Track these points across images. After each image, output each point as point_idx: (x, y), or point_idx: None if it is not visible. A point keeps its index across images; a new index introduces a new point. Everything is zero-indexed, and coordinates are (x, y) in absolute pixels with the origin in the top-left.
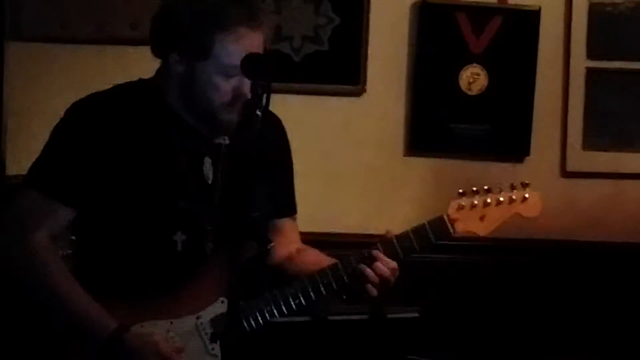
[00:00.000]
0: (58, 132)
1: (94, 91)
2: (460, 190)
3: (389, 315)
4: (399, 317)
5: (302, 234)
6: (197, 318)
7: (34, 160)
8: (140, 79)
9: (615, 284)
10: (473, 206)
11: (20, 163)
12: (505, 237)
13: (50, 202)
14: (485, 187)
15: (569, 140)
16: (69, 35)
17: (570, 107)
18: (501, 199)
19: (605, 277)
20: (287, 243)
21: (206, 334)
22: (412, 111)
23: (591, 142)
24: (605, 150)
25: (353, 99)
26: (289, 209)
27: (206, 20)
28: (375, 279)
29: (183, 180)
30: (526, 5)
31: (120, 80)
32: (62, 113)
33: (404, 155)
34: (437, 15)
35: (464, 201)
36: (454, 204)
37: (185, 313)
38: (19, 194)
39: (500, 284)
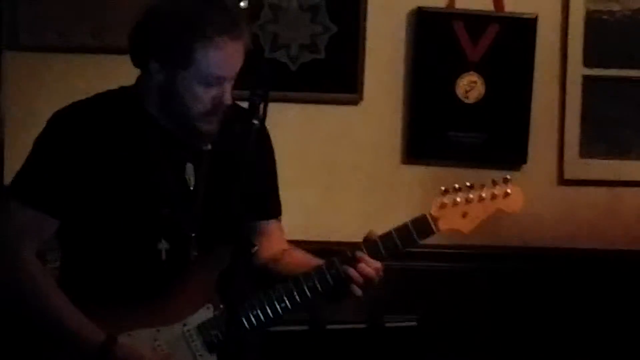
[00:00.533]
0: (39, 143)
1: None
2: (443, 188)
3: (387, 324)
4: (397, 325)
5: (300, 242)
6: (184, 325)
7: None
8: (121, 87)
9: (613, 291)
10: (455, 204)
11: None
12: (503, 245)
13: (35, 213)
14: (468, 184)
15: (566, 148)
16: (66, 45)
17: (567, 115)
18: (483, 195)
19: (603, 284)
20: (272, 245)
21: (193, 340)
22: (409, 119)
23: (588, 149)
24: (602, 158)
25: (350, 107)
26: (274, 211)
27: (187, 30)
28: (360, 279)
29: (165, 187)
30: (523, 14)
31: None
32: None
33: (402, 163)
34: (434, 24)
35: (446, 199)
36: (436, 202)
37: (172, 320)
38: (2, 207)
39: (498, 292)
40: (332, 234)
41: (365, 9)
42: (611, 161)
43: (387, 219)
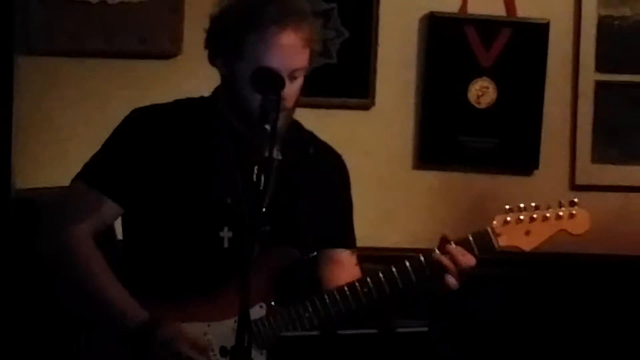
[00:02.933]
0: (114, 134)
1: (102, 105)
2: (507, 207)
3: (398, 330)
4: (408, 331)
5: None
6: (235, 322)
7: (44, 173)
8: (201, 96)
9: (625, 296)
10: (519, 221)
11: (28, 176)
12: (515, 251)
13: (95, 193)
14: (533, 204)
15: (578, 153)
16: (78, 49)
17: (579, 120)
18: (548, 215)
19: (616, 290)
20: (347, 276)
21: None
22: (421, 124)
23: (600, 155)
24: (614, 164)
25: (362, 112)
26: (344, 241)
27: (240, 21)
28: (452, 267)
29: (233, 181)
30: (535, 19)
31: (129, 94)
32: (71, 126)
33: (413, 169)
34: (446, 29)
35: (510, 216)
36: (499, 218)
37: (224, 316)
38: (68, 187)
39: (509, 297)
40: None
41: (377, 14)
42: (623, 167)
43: (398, 224)
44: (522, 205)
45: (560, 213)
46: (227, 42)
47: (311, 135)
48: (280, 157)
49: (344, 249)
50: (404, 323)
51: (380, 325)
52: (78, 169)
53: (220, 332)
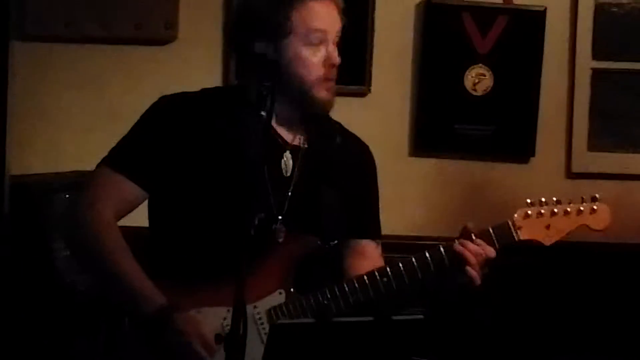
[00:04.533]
0: (141, 120)
1: (98, 91)
2: (529, 200)
3: (394, 317)
4: (404, 318)
5: None
6: (255, 307)
7: (38, 159)
8: (229, 84)
9: (621, 285)
10: (540, 215)
11: (24, 162)
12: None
13: (119, 177)
14: (555, 199)
15: (574, 141)
16: (73, 35)
17: (575, 108)
18: (569, 209)
19: (611, 278)
20: (370, 266)
21: (262, 324)
22: (417, 111)
23: (596, 143)
24: (610, 151)
25: (358, 99)
26: (370, 232)
27: (282, 2)
28: (473, 258)
29: (259, 166)
30: (532, 6)
31: (125, 80)
32: (67, 112)
33: (409, 156)
34: (442, 16)
35: (531, 210)
36: (520, 212)
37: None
38: (93, 171)
39: (504, 285)
40: None
41: (373, 1)
42: (620, 154)
43: (394, 211)
44: (543, 199)
45: (582, 208)
46: (270, 22)
47: (339, 125)
48: (306, 146)
49: (369, 240)
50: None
51: (376, 312)
52: (72, 155)
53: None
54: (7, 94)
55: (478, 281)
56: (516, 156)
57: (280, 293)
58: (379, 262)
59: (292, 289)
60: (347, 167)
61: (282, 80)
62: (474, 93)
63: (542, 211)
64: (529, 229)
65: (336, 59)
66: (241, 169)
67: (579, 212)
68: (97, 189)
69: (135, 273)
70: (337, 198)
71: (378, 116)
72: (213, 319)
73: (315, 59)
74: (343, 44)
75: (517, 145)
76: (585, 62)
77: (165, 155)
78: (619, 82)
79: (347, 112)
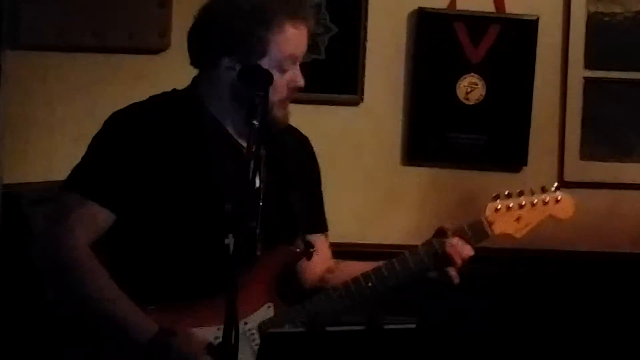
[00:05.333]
0: (99, 139)
1: (90, 100)
2: (494, 194)
3: (386, 326)
4: (396, 328)
5: None
6: (245, 324)
7: (31, 168)
8: (174, 90)
9: (614, 294)
10: (509, 208)
11: (17, 171)
12: (502, 248)
13: (89, 203)
14: (518, 190)
15: (567, 149)
16: (67, 44)
17: (567, 117)
18: (535, 201)
19: (604, 287)
20: (321, 260)
21: (254, 339)
22: (409, 120)
23: (589, 151)
24: (602, 160)
25: (350, 108)
26: (321, 226)
27: (258, 19)
28: (458, 259)
29: (229, 184)
30: (524, 15)
31: (118, 89)
32: (59, 122)
33: (402, 165)
34: (435, 25)
35: (499, 203)
36: (490, 206)
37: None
38: (59, 197)
39: (497, 294)
40: (331, 235)
41: (366, 9)
42: (612, 163)
43: (386, 220)
44: (507, 192)
45: (547, 199)
46: (243, 42)
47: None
48: (264, 152)
49: (319, 234)
50: (392, 319)
51: (368, 321)
52: (65, 164)
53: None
54: (0, 102)
55: (457, 280)
56: (508, 165)
57: (268, 307)
58: (328, 253)
59: (279, 301)
60: (299, 165)
61: (245, 97)
62: (467, 102)
63: (511, 204)
64: (501, 223)
65: (301, 81)
66: (213, 188)
67: (544, 202)
68: (68, 218)
69: (123, 303)
70: (301, 199)
71: (370, 125)
72: (205, 338)
73: (282, 81)
74: (335, 53)
75: (510, 154)
76: (578, 71)
77: (131, 174)
78: (611, 91)
79: (339, 121)
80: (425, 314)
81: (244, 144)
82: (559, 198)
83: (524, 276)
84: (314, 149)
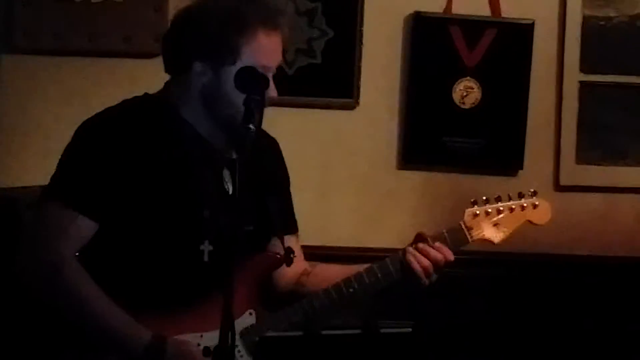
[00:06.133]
0: (73, 148)
1: (86, 104)
2: (472, 200)
3: (382, 330)
4: (392, 331)
5: None
6: None
7: (27, 172)
8: (146, 94)
9: (609, 298)
10: (487, 213)
11: (13, 175)
12: (498, 251)
13: (71, 213)
14: (495, 196)
15: (563, 154)
16: (62, 48)
17: (563, 121)
18: (513, 206)
19: (599, 290)
20: (296, 262)
21: (236, 346)
22: (405, 124)
23: (585, 155)
24: (598, 164)
25: (346, 112)
26: (292, 226)
27: (231, 25)
28: (418, 267)
29: (205, 190)
30: (520, 19)
31: (114, 92)
32: (55, 125)
33: (397, 169)
34: (431, 28)
35: (477, 209)
36: (469, 212)
37: (215, 326)
38: (38, 209)
39: (493, 298)
40: (327, 239)
41: (362, 13)
42: (607, 167)
43: (382, 224)
44: (484, 197)
45: (525, 204)
46: (215, 47)
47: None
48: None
49: (291, 235)
50: (387, 323)
51: (364, 325)
52: None
53: (214, 341)
54: None
55: (430, 283)
56: (504, 169)
57: (250, 314)
58: (301, 255)
59: (261, 308)
60: (270, 167)
61: (214, 104)
62: (462, 106)
63: (489, 210)
64: (479, 228)
65: (274, 91)
66: (189, 194)
67: (523, 207)
68: (51, 229)
69: (115, 312)
70: (275, 201)
71: (366, 129)
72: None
73: None
74: (331, 57)
75: (505, 158)
76: (573, 75)
77: (111, 182)
78: (606, 95)
79: (335, 125)
80: (421, 318)
81: (217, 147)
82: (536, 203)
83: (519, 280)
84: (310, 152)
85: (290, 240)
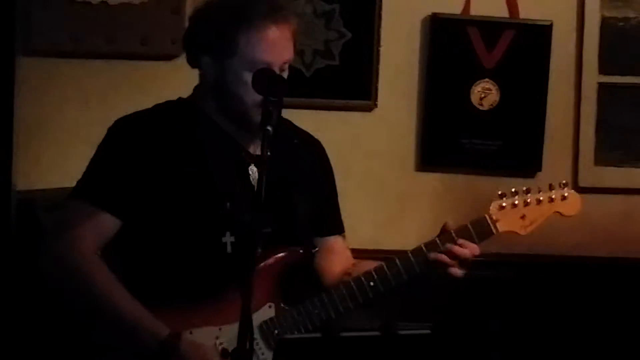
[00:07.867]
0: (103, 147)
1: (104, 106)
2: (500, 192)
3: (401, 332)
4: (411, 333)
5: None
6: None
7: (44, 174)
8: (179, 98)
9: (629, 299)
10: (514, 206)
11: (31, 178)
12: (517, 253)
13: (97, 211)
14: (524, 188)
15: (581, 155)
16: (79, 50)
17: (582, 122)
18: (541, 198)
19: (619, 292)
20: (341, 260)
21: (254, 339)
22: (423, 126)
23: (603, 157)
24: (617, 166)
25: (364, 113)
26: (336, 227)
27: (230, 17)
28: (451, 262)
29: (229, 185)
30: (538, 20)
31: (131, 95)
32: (73, 128)
33: (415, 170)
34: (449, 30)
35: (504, 201)
36: (495, 204)
37: (234, 319)
38: (66, 205)
39: (511, 299)
40: (346, 241)
41: (379, 15)
42: (626, 169)
43: (400, 226)
44: (513, 189)
45: (553, 196)
46: (217, 40)
47: (291, 125)
48: (269, 154)
49: (337, 236)
50: (406, 325)
51: (382, 327)
52: (79, 170)
53: (232, 335)
54: (14, 109)
55: (462, 276)
56: (522, 171)
57: (269, 307)
58: (347, 253)
59: (280, 302)
60: (308, 167)
61: (223, 98)
62: (480, 107)
63: (516, 202)
64: (505, 220)
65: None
66: (212, 187)
67: (551, 199)
68: (76, 226)
69: (133, 308)
70: (306, 201)
71: (384, 131)
72: (206, 339)
73: None
74: (349, 58)
75: (524, 159)
76: (592, 77)
77: (136, 180)
78: (625, 96)
79: (353, 127)
80: (439, 320)
81: (242, 142)
82: (565, 195)
83: (538, 281)
84: (327, 154)
85: (335, 240)
